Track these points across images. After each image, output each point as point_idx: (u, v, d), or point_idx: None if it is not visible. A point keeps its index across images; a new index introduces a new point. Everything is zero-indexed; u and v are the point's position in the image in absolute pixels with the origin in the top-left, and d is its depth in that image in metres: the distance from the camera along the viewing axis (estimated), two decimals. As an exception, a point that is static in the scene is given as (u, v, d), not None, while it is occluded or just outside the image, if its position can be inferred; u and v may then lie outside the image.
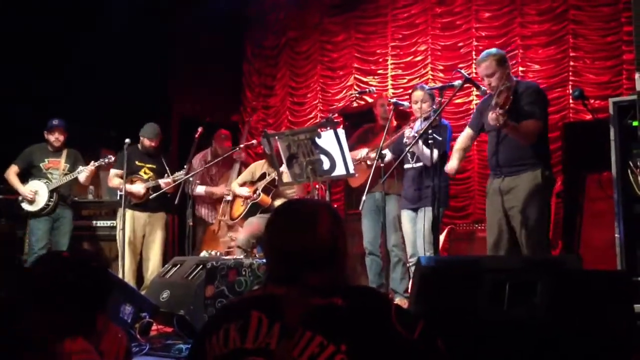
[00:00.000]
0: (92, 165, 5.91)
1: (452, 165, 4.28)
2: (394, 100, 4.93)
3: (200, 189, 6.53)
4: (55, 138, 6.01)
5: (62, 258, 1.70)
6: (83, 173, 5.93)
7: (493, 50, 4.26)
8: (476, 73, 6.51)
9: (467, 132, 4.41)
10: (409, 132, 4.62)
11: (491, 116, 3.82)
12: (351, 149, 5.25)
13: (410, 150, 4.62)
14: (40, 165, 5.97)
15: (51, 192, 5.88)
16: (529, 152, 3.99)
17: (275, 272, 1.61)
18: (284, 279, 1.55)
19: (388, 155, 4.85)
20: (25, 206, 5.87)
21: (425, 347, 1.50)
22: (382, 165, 4.50)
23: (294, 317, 1.45)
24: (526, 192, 3.95)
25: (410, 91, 5.28)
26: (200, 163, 6.50)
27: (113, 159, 5.92)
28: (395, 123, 5.08)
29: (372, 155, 4.96)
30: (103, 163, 5.94)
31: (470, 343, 2.35)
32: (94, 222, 6.57)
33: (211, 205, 6.74)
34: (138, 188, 5.85)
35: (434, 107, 4.82)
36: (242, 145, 6.50)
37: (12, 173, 5.94)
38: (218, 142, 6.64)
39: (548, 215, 4.09)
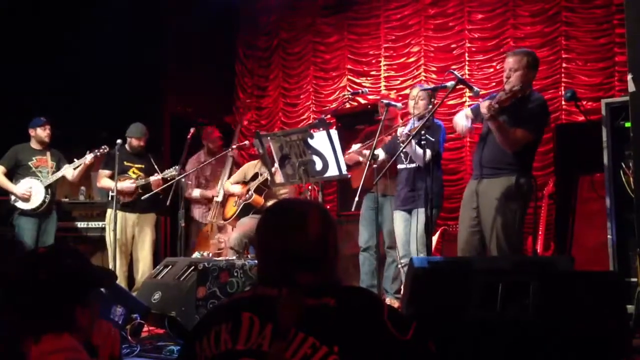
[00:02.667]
0: (85, 159, 5.83)
1: (461, 126, 4.21)
2: (386, 101, 4.91)
3: (196, 192, 6.52)
4: (46, 134, 5.96)
5: (36, 255, 1.69)
6: (75, 170, 5.86)
7: (530, 50, 4.21)
8: (469, 74, 6.60)
9: (465, 110, 4.33)
10: (401, 130, 4.61)
11: (484, 103, 3.80)
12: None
13: (404, 150, 4.61)
14: (29, 163, 5.90)
15: (46, 188, 5.84)
16: (510, 156, 3.92)
17: (266, 273, 1.61)
18: (276, 279, 1.54)
19: (381, 154, 4.82)
20: (21, 205, 5.78)
21: (418, 348, 1.49)
22: (375, 165, 4.48)
23: (286, 318, 1.44)
24: (497, 197, 3.89)
25: (405, 92, 5.27)
26: (194, 165, 6.47)
27: (107, 149, 5.88)
28: (387, 123, 5.08)
29: (365, 152, 4.94)
30: (97, 154, 5.88)
31: (463, 344, 2.35)
32: (85, 223, 6.54)
33: (205, 206, 6.72)
34: (127, 184, 5.81)
35: (429, 107, 4.85)
36: (234, 147, 6.49)
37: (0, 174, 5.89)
38: (207, 139, 6.62)
39: (519, 223, 3.97)
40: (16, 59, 6.66)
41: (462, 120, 4.24)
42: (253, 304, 1.52)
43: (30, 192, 5.78)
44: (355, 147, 5.10)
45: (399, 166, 4.94)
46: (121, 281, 5.64)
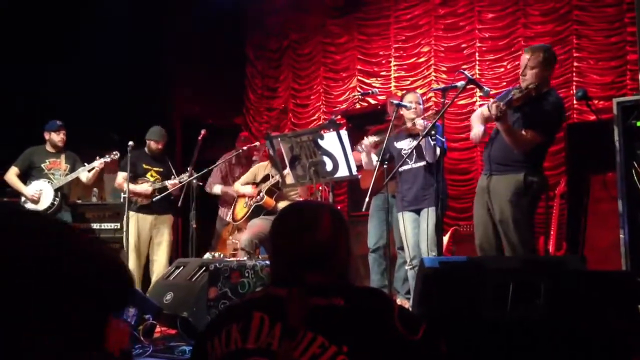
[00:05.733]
0: (99, 162, 5.89)
1: (475, 132, 4.11)
2: (396, 102, 4.90)
3: (217, 189, 6.56)
4: (60, 138, 6.02)
5: None
6: (89, 172, 5.92)
7: (547, 46, 4.12)
8: (480, 74, 6.59)
9: (482, 108, 4.23)
10: (421, 121, 4.60)
11: (491, 104, 3.71)
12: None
13: (412, 148, 4.59)
14: (42, 166, 5.96)
15: (56, 191, 5.90)
16: (518, 154, 3.85)
17: (278, 274, 1.62)
18: (286, 280, 1.55)
19: (374, 160, 4.77)
20: (30, 206, 5.82)
21: (428, 348, 1.49)
22: (385, 166, 4.49)
23: (296, 318, 1.45)
24: (505, 194, 3.84)
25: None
26: (224, 163, 6.53)
27: (118, 154, 5.93)
28: (396, 123, 5.07)
29: (364, 157, 4.99)
30: (108, 159, 5.94)
31: (474, 344, 2.35)
32: (98, 224, 6.58)
33: (229, 205, 6.71)
34: (144, 187, 5.86)
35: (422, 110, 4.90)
36: (245, 148, 6.53)
37: (12, 175, 5.92)
38: (237, 144, 6.66)
39: (529, 219, 3.93)
40: (29, 62, 6.71)
41: (477, 124, 4.13)
42: (264, 303, 1.53)
43: (40, 194, 5.83)
44: (371, 139, 5.06)
45: (404, 167, 4.87)
46: (136, 282, 5.68)
